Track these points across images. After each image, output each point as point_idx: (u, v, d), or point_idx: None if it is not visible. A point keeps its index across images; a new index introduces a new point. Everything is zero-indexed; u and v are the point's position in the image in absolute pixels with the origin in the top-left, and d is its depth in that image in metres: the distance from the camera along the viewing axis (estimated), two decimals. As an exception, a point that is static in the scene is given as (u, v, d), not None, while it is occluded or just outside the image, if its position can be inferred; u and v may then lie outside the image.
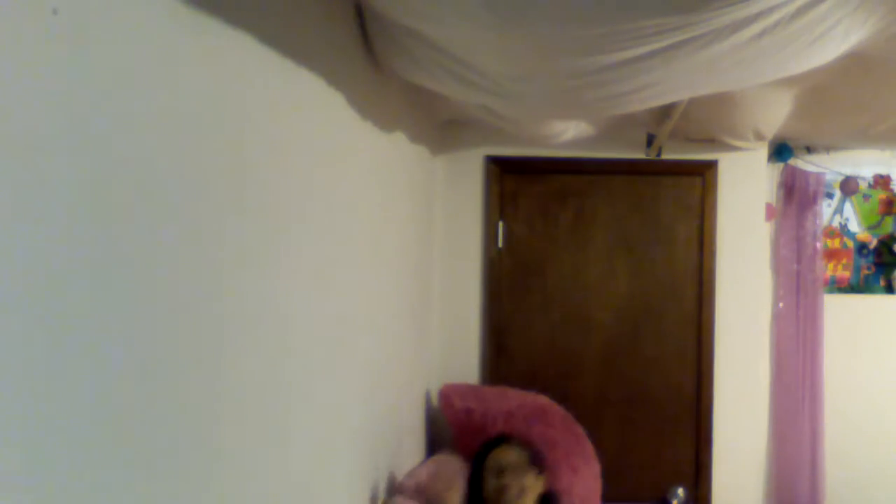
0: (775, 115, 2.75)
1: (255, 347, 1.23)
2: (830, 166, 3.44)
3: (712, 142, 3.15)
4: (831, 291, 3.46)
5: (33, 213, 0.71)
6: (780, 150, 3.39)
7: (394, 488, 2.21)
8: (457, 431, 2.77)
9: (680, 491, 3.19)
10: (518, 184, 3.25)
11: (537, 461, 2.13)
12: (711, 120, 2.88)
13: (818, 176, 3.42)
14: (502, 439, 2.18)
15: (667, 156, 3.21)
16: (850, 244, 3.48)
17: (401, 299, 2.42)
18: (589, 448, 2.78)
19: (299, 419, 1.44)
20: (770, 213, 3.40)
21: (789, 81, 2.20)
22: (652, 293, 3.23)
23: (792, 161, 3.43)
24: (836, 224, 3.48)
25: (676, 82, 1.70)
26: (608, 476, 3.04)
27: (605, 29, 1.35)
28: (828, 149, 3.43)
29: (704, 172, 3.22)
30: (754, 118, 2.82)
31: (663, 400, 3.22)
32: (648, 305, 3.23)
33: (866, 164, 3.46)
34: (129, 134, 0.87)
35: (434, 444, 3.04)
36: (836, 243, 3.48)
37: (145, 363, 0.90)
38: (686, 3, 1.23)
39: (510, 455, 2.10)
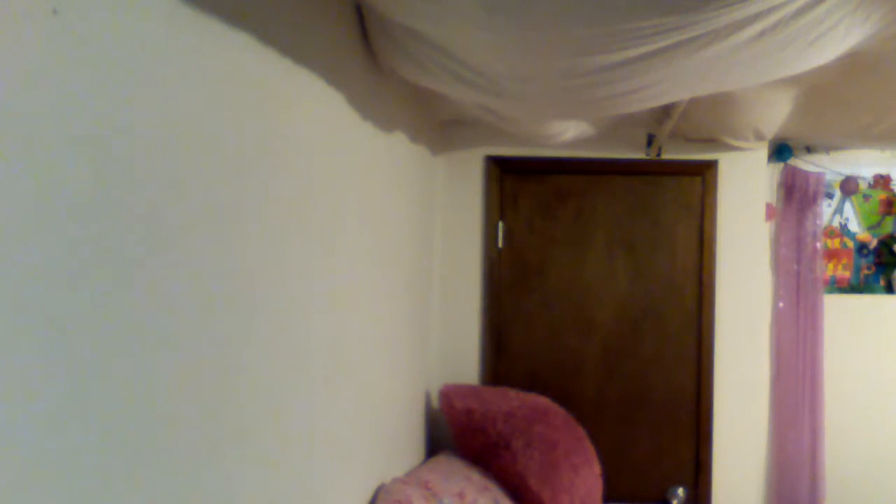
0: (775, 115, 2.75)
1: (253, 349, 1.23)
2: (830, 166, 3.44)
3: (712, 142, 3.15)
4: (831, 291, 3.46)
5: (33, 214, 0.71)
6: (780, 150, 3.39)
7: (394, 488, 2.21)
8: (457, 432, 2.77)
9: (680, 491, 3.19)
10: (518, 184, 3.25)
11: None
12: (711, 120, 2.88)
13: (818, 176, 3.42)
14: None
15: (667, 156, 3.22)
16: (850, 244, 3.48)
17: (401, 299, 2.42)
18: (589, 448, 2.78)
19: (297, 421, 1.45)
20: (770, 213, 3.40)
21: (789, 81, 2.20)
22: (652, 293, 3.23)
23: (792, 161, 3.43)
24: (836, 224, 3.48)
25: (676, 82, 1.70)
26: (608, 476, 3.05)
27: (605, 29, 1.35)
28: (828, 149, 3.44)
29: (704, 172, 3.22)
30: (754, 118, 2.82)
31: (663, 400, 3.23)
32: (648, 305, 3.23)
33: (866, 164, 3.46)
34: (130, 134, 0.87)
35: (434, 444, 3.04)
36: (836, 243, 3.48)
37: (153, 372, 0.90)
38: (686, 3, 1.23)
39: None
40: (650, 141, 3.19)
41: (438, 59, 1.72)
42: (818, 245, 3.41)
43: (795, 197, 3.42)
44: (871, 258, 3.47)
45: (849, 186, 3.42)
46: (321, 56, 1.53)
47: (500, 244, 3.24)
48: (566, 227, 3.25)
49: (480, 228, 3.25)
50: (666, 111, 2.75)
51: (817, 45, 1.50)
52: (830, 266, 3.47)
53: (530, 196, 3.25)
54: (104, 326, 0.82)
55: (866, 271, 3.48)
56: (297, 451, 1.43)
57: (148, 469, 0.91)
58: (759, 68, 1.61)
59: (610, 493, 3.13)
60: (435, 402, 3.07)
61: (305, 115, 1.46)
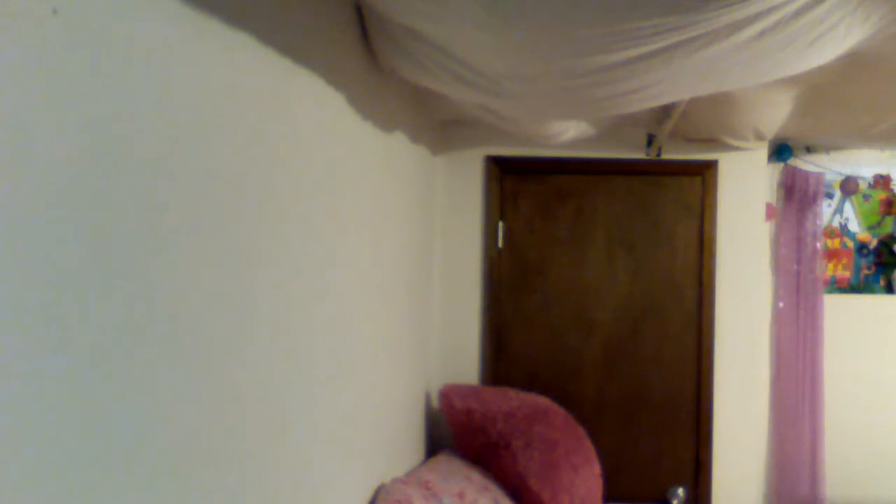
0: (775, 115, 2.75)
1: (253, 349, 1.23)
2: (830, 166, 3.44)
3: (712, 142, 3.15)
4: (831, 291, 3.46)
5: (33, 214, 0.71)
6: (780, 150, 3.39)
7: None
8: (457, 432, 2.77)
9: (680, 491, 3.19)
10: (518, 184, 3.26)
11: None
12: (711, 120, 2.88)
13: (818, 176, 3.42)
14: None
15: (667, 156, 3.22)
16: (850, 244, 3.48)
17: (401, 299, 2.42)
18: (589, 448, 2.78)
19: (298, 420, 1.44)
20: (770, 213, 3.40)
21: (789, 81, 2.20)
22: (652, 293, 3.23)
23: (792, 161, 3.43)
24: (836, 224, 3.48)
25: (676, 82, 1.70)
26: (608, 476, 3.05)
27: (605, 29, 1.35)
28: (828, 149, 3.44)
29: (704, 172, 3.22)
30: (754, 118, 2.82)
31: (663, 400, 3.23)
32: (648, 305, 3.23)
33: (866, 164, 3.46)
34: (130, 134, 0.87)
35: (434, 444, 3.04)
36: (836, 243, 3.48)
37: (154, 370, 0.90)
38: (686, 3, 1.23)
39: None
40: (650, 141, 3.19)
41: (438, 59, 1.72)
42: (818, 245, 3.41)
43: (795, 197, 3.42)
44: (871, 258, 3.47)
45: (849, 186, 3.42)
46: (321, 56, 1.53)
47: (500, 244, 3.24)
48: (566, 227, 3.25)
49: (480, 228, 3.25)
50: (666, 111, 2.75)
51: (817, 45, 1.50)
52: (830, 266, 3.47)
53: (530, 196, 3.25)
54: (103, 326, 0.82)
55: (866, 271, 3.48)
56: (297, 451, 1.43)
57: (147, 469, 0.91)
58: (759, 68, 1.61)
59: (610, 493, 3.13)
60: (435, 402, 3.07)
61: (305, 115, 1.46)
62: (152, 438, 0.92)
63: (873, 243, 3.47)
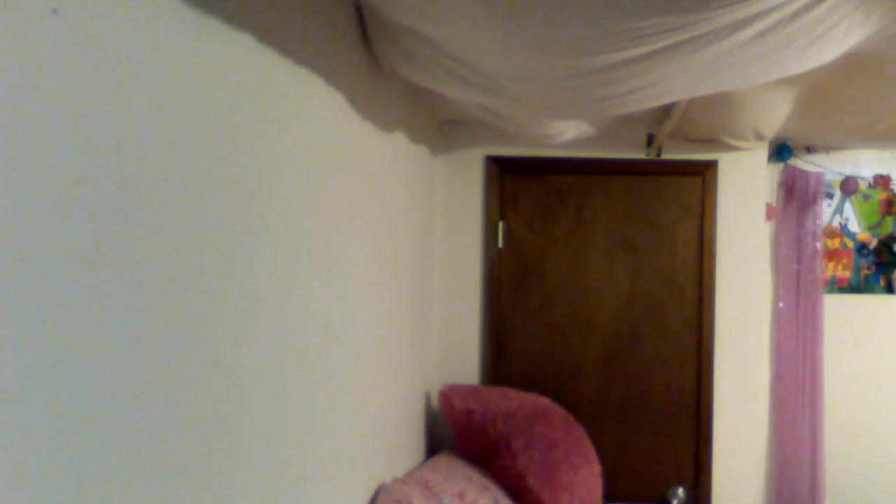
0: (775, 115, 2.75)
1: (253, 349, 1.23)
2: (830, 166, 3.44)
3: (712, 142, 3.15)
4: (831, 291, 3.46)
5: (31, 214, 0.71)
6: (780, 150, 3.39)
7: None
8: (457, 432, 2.77)
9: (680, 491, 3.19)
10: (518, 184, 3.26)
11: None
12: (711, 120, 2.88)
13: (818, 176, 3.42)
14: None
15: (667, 156, 3.22)
16: (850, 244, 3.48)
17: (401, 299, 2.42)
18: (589, 448, 2.78)
19: (298, 420, 1.45)
20: (770, 213, 3.40)
21: (789, 81, 2.20)
22: (652, 293, 3.23)
23: (792, 161, 3.43)
24: (836, 224, 3.48)
25: (676, 82, 1.70)
26: (608, 476, 3.05)
27: (605, 29, 1.35)
28: (828, 149, 3.44)
29: (704, 172, 3.22)
30: (754, 118, 2.82)
31: (663, 400, 3.23)
32: (648, 306, 3.23)
33: (866, 164, 3.46)
34: (129, 134, 0.87)
35: (434, 444, 3.04)
36: (836, 243, 3.48)
37: (153, 371, 0.90)
38: (686, 3, 1.23)
39: None
40: (650, 141, 3.19)
41: (438, 59, 1.72)
42: (818, 245, 3.41)
43: (795, 197, 3.42)
44: (871, 258, 3.47)
45: (849, 186, 3.42)
46: (321, 56, 1.53)
47: (500, 244, 3.24)
48: (566, 226, 3.25)
49: (480, 228, 3.25)
50: (666, 111, 2.75)
51: (817, 46, 1.50)
52: (830, 266, 3.47)
53: (530, 196, 3.25)
54: (102, 327, 0.82)
55: (866, 271, 3.48)
56: (297, 451, 1.43)
57: (145, 469, 0.91)
58: (759, 68, 1.61)
59: (610, 493, 3.13)
60: (435, 402, 3.07)
61: (305, 115, 1.46)
62: (151, 439, 0.92)
63: (873, 243, 3.47)
